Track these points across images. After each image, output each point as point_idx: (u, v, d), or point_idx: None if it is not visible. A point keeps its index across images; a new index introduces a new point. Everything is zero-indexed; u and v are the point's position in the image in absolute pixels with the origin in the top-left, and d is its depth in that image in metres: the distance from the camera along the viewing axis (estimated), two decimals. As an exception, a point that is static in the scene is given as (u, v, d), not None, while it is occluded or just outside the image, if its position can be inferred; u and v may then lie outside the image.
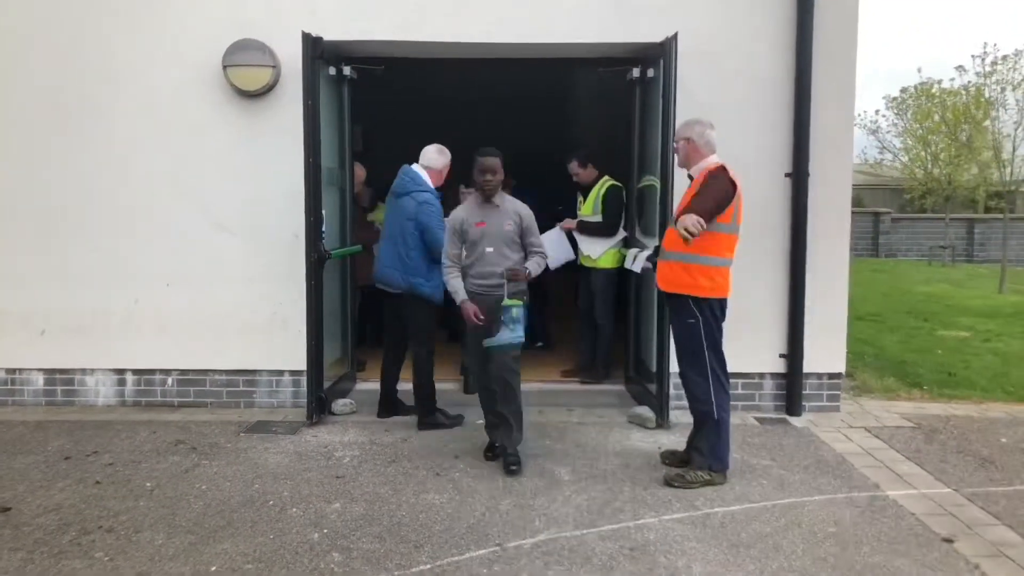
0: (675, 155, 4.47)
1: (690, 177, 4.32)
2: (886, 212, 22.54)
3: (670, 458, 4.54)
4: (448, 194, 5.82)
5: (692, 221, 3.77)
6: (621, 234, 5.91)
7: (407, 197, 5.02)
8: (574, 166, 6.06)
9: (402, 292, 5.06)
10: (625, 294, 6.11)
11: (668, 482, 4.24)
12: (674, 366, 4.61)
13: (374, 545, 3.52)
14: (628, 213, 5.95)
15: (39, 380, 5.76)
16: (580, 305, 6.18)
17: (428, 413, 5.18)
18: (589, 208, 5.96)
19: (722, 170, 4.15)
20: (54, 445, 4.87)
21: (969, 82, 18.74)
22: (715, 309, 4.21)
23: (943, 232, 21.07)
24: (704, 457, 4.27)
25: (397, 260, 5.03)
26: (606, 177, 5.99)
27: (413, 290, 5.03)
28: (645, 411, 5.35)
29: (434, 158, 5.17)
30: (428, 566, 3.33)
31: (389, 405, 5.42)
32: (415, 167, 5.13)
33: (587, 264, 5.99)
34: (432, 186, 5.12)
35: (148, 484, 4.23)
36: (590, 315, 6.06)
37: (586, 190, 6.05)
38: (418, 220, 4.96)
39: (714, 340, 4.21)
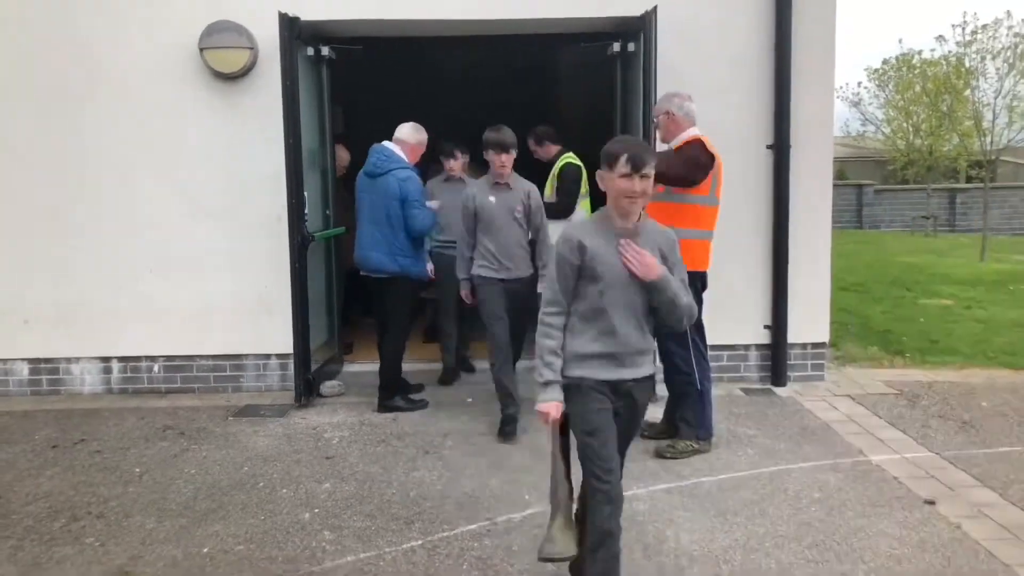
0: (655, 130, 4.47)
1: (670, 151, 4.33)
2: (869, 184, 22.63)
3: (648, 429, 4.58)
4: (428, 171, 5.79)
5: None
6: (579, 214, 5.54)
7: (388, 176, 4.92)
8: (530, 144, 5.78)
9: (390, 276, 5.00)
10: None
11: (659, 454, 4.29)
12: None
13: (365, 523, 3.54)
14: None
15: (24, 370, 5.72)
16: None
17: (389, 396, 5.13)
18: (549, 188, 5.69)
19: (698, 141, 4.17)
20: (41, 434, 4.85)
21: (949, 52, 18.81)
22: (696, 283, 4.23)
23: (925, 203, 21.19)
24: (691, 427, 4.33)
25: (383, 243, 4.94)
26: (568, 154, 5.69)
27: (404, 272, 4.99)
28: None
29: (409, 133, 5.07)
30: (419, 542, 3.36)
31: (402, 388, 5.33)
32: (387, 144, 5.04)
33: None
34: (407, 162, 5.03)
35: (137, 470, 4.23)
36: None
37: (548, 167, 5.79)
38: (402, 197, 4.88)
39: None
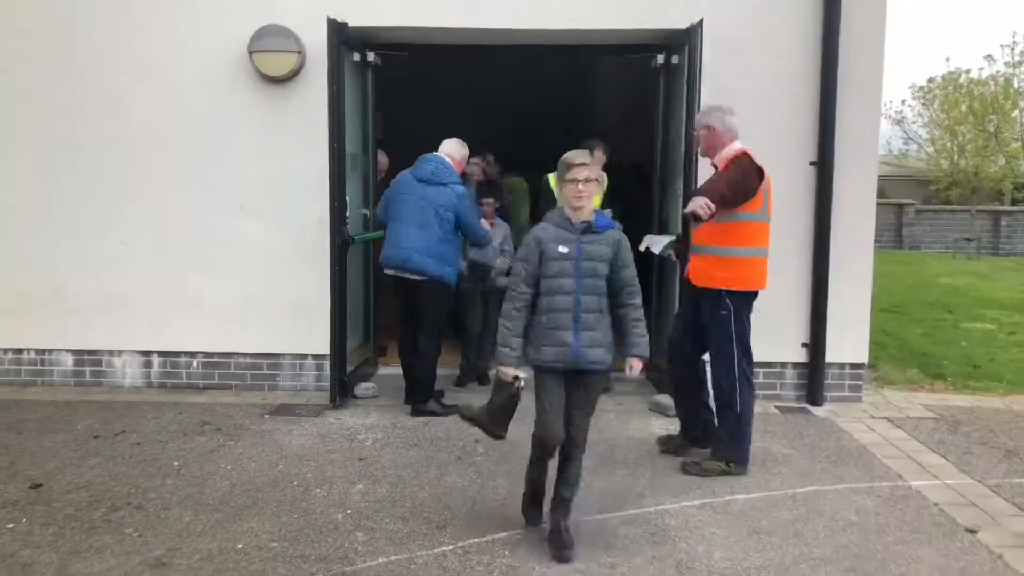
0: (696, 145, 4.41)
1: (715, 167, 4.22)
2: (910, 203, 22.26)
3: (665, 443, 4.54)
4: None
5: (700, 203, 3.76)
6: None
7: (443, 187, 5.03)
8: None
9: (429, 280, 5.03)
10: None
11: (684, 469, 4.24)
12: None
13: (397, 526, 3.56)
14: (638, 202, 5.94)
15: (68, 361, 5.86)
16: None
17: (423, 400, 5.17)
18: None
19: (746, 155, 4.08)
20: (83, 424, 4.96)
21: (998, 72, 18.50)
22: (747, 302, 4.17)
23: (968, 224, 20.79)
24: (724, 449, 4.25)
25: (430, 248, 4.99)
26: None
27: (444, 278, 5.05)
28: (665, 399, 5.35)
29: (456, 149, 5.25)
30: (451, 547, 3.37)
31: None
32: (442, 155, 5.16)
33: None
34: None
35: (175, 463, 4.31)
36: None
37: None
38: (458, 212, 5.04)
39: (743, 333, 4.17)
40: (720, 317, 4.14)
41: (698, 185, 4.45)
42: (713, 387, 4.32)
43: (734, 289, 4.10)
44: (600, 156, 5.82)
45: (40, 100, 5.66)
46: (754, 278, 4.14)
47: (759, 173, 4.04)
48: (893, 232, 21.85)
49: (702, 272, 4.19)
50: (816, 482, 4.15)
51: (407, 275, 5.07)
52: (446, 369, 6.06)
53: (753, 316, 5.15)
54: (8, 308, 5.78)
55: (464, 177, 5.56)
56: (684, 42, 5.19)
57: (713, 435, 4.36)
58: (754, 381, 5.54)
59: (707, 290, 4.17)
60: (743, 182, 3.99)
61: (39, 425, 4.94)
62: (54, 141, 5.68)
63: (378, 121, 6.34)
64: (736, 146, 4.16)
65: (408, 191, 5.11)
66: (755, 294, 4.21)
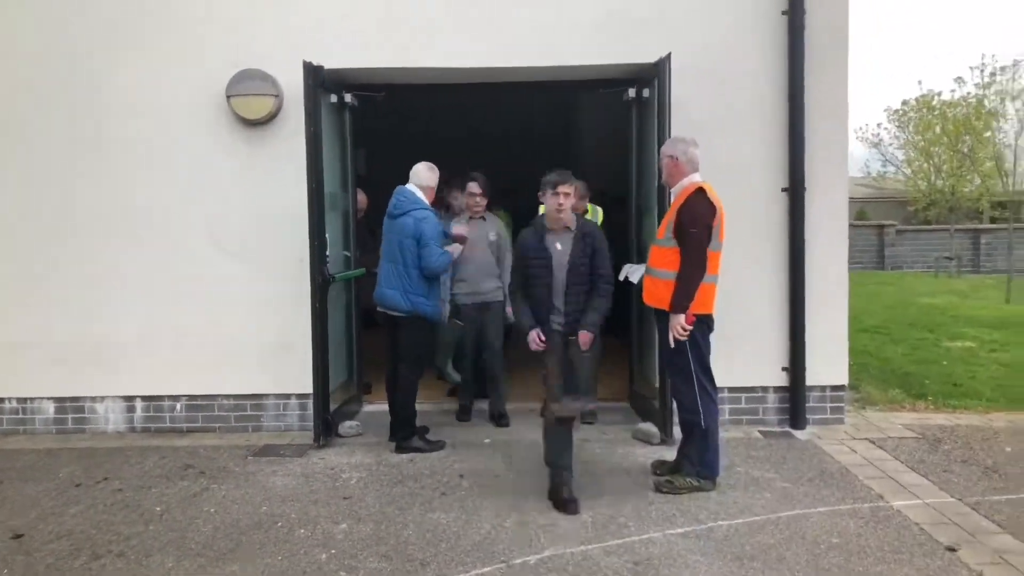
0: (660, 173, 4.56)
1: (670, 195, 4.44)
2: (890, 224, 22.53)
3: (660, 468, 4.61)
4: (440, 208, 5.93)
5: (677, 330, 4.20)
6: None
7: (406, 216, 5.06)
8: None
9: (404, 314, 5.08)
10: (618, 314, 6.15)
11: (657, 488, 4.36)
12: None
13: (381, 564, 3.55)
14: (625, 231, 6.01)
15: (50, 408, 5.83)
16: None
17: (407, 437, 5.17)
18: None
19: (700, 192, 4.24)
20: (65, 472, 4.93)
21: (969, 93, 18.88)
22: (701, 324, 4.30)
23: (948, 243, 21.04)
24: (693, 464, 4.38)
25: (397, 280, 5.05)
26: (593, 206, 6.03)
27: (416, 310, 5.07)
28: (649, 427, 5.38)
29: (426, 176, 5.23)
30: (434, 584, 3.36)
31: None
32: (409, 187, 5.19)
33: None
34: (427, 203, 5.18)
35: (158, 508, 4.29)
36: None
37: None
38: (417, 237, 5.00)
39: (700, 353, 4.31)
40: (678, 340, 4.26)
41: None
42: (678, 407, 4.46)
43: (687, 320, 4.23)
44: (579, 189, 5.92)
45: (20, 140, 5.69)
46: (708, 302, 4.30)
47: (712, 210, 4.22)
48: (875, 253, 22.07)
49: (654, 294, 4.37)
50: (799, 505, 4.17)
51: (388, 311, 5.14)
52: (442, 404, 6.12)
53: (733, 341, 5.24)
54: (-11, 357, 5.77)
55: (437, 204, 5.59)
56: (654, 75, 5.30)
57: (682, 454, 4.47)
58: (735, 406, 5.66)
59: (660, 311, 4.33)
60: (700, 227, 4.18)
61: (20, 474, 4.91)
62: (31, 186, 5.70)
63: (359, 158, 6.42)
64: (694, 178, 4.34)
65: (385, 228, 5.22)
66: (708, 317, 4.34)
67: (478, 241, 5.67)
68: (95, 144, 5.69)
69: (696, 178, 4.33)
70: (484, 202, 5.79)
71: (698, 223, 4.17)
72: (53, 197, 5.71)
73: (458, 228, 5.49)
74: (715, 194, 4.28)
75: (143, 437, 5.69)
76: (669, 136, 4.99)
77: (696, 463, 4.36)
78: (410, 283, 5.04)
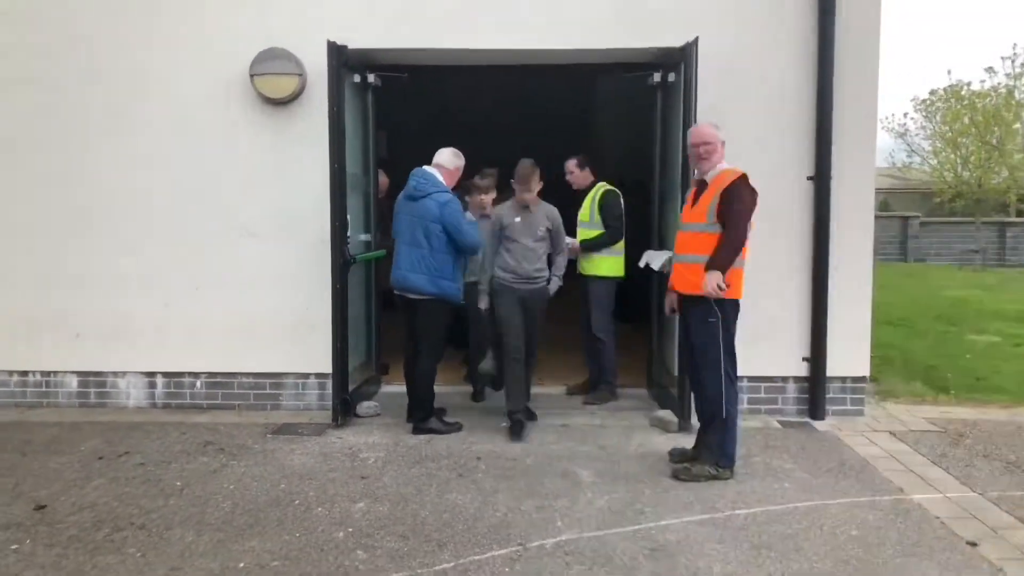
0: (694, 159, 4.46)
1: (702, 181, 4.36)
2: (914, 216, 22.25)
3: (679, 456, 4.58)
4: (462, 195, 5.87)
5: (713, 286, 4.06)
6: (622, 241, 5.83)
7: (427, 199, 4.99)
8: (571, 165, 5.91)
9: (427, 297, 5.07)
10: (634, 301, 6.12)
11: (675, 475, 4.35)
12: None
13: (398, 544, 3.57)
14: (641, 218, 5.97)
15: (73, 382, 5.90)
16: (580, 318, 6.01)
17: (425, 418, 5.17)
18: (587, 214, 5.84)
19: (744, 180, 4.21)
20: (87, 445, 4.99)
21: (999, 84, 18.53)
22: (731, 309, 4.27)
23: (973, 236, 20.75)
24: (712, 453, 4.35)
25: (422, 265, 5.01)
26: (602, 183, 5.88)
27: (443, 293, 5.04)
28: (667, 414, 5.36)
29: (448, 159, 5.18)
30: (451, 564, 3.38)
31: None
32: (428, 168, 5.13)
33: (585, 273, 5.87)
34: (447, 187, 5.11)
35: (178, 483, 4.33)
36: (589, 328, 5.88)
37: (581, 195, 5.93)
38: (444, 221, 4.95)
39: (729, 339, 4.28)
40: (709, 324, 4.24)
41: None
42: (698, 395, 4.46)
43: (723, 297, 4.17)
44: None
45: (42, 119, 5.73)
46: (737, 288, 4.26)
47: (755, 197, 4.21)
48: (898, 245, 21.83)
49: (687, 280, 4.31)
50: (817, 496, 4.15)
51: (407, 294, 5.12)
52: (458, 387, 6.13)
53: (754, 330, 5.21)
54: (13, 330, 5.84)
55: (459, 189, 5.54)
56: (680, 60, 5.24)
57: (702, 441, 4.45)
58: (754, 395, 5.63)
59: (694, 297, 4.26)
60: (749, 209, 4.17)
61: (44, 446, 4.98)
62: (55, 164, 5.75)
63: (380, 140, 6.41)
64: (725, 164, 4.31)
65: (402, 209, 5.16)
66: (737, 303, 4.32)
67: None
68: (117, 123, 5.71)
69: (728, 165, 4.31)
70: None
71: (745, 202, 4.15)
72: (75, 178, 5.75)
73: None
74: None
75: (164, 413, 5.75)
76: (695, 121, 4.93)
77: (716, 452, 4.34)
78: (436, 267, 5.00)
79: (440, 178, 5.10)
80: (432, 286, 5.01)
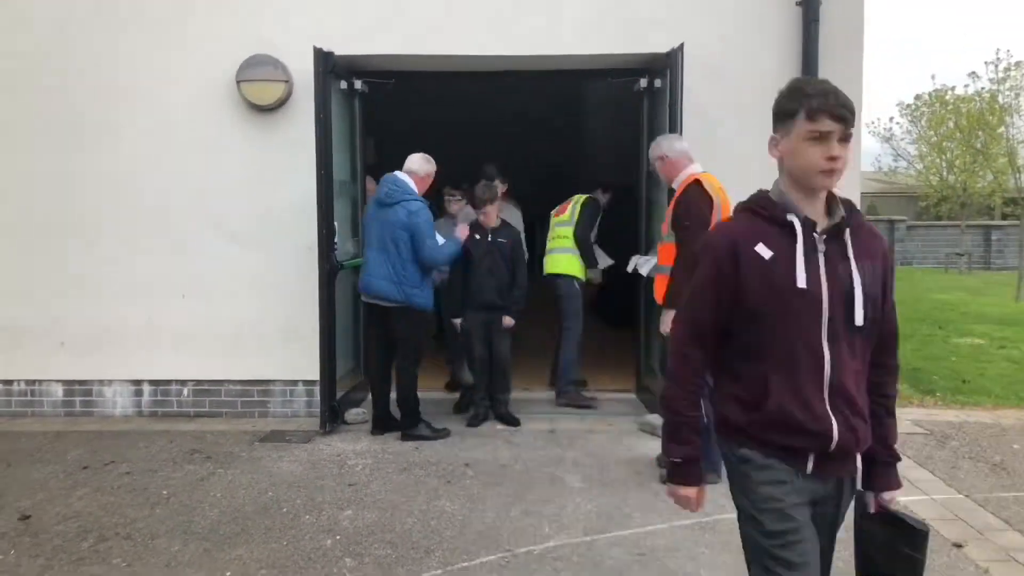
0: (657, 173, 4.56)
1: (672, 190, 4.44)
2: (901, 220, 22.41)
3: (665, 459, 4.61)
4: (435, 201, 5.88)
5: (666, 328, 4.11)
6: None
7: (397, 207, 4.98)
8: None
9: (395, 305, 5.04)
10: (619, 305, 6.17)
11: (662, 479, 4.32)
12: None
13: (386, 551, 3.56)
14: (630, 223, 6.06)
15: (58, 391, 5.86)
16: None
17: (412, 425, 5.16)
18: (568, 215, 6.04)
19: (696, 184, 4.23)
20: (73, 455, 4.95)
21: (983, 88, 18.71)
22: None
23: (959, 239, 20.92)
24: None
25: (391, 271, 4.99)
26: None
27: (408, 301, 5.02)
28: (655, 419, 5.36)
29: (419, 165, 5.19)
30: (439, 571, 3.37)
31: (385, 421, 5.32)
32: (399, 174, 5.13)
33: (552, 271, 5.97)
34: (418, 194, 5.11)
35: (164, 492, 4.30)
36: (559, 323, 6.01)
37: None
38: (411, 230, 4.94)
39: None
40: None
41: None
42: None
43: None
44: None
45: (28, 125, 5.70)
46: None
47: (708, 201, 4.19)
48: (885, 248, 21.92)
49: (658, 290, 4.40)
50: (805, 499, 4.15)
51: (376, 301, 5.10)
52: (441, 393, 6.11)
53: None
54: (-2, 339, 5.80)
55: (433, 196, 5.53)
56: (666, 66, 5.26)
57: None
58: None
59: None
60: (695, 221, 4.11)
61: (28, 456, 4.94)
62: (40, 170, 5.72)
63: (369, 147, 6.41)
64: (692, 169, 4.34)
65: (372, 216, 5.15)
66: None
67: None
68: (103, 131, 5.69)
69: (695, 169, 4.33)
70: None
71: (692, 216, 4.14)
72: (61, 184, 5.72)
73: (462, 228, 5.42)
74: (717, 184, 4.26)
75: (150, 421, 5.71)
76: (681, 126, 4.96)
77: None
78: (404, 274, 4.98)
79: (412, 185, 5.10)
80: (399, 293, 5.00)
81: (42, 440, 5.27)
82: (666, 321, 4.19)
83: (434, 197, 5.55)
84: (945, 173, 21.85)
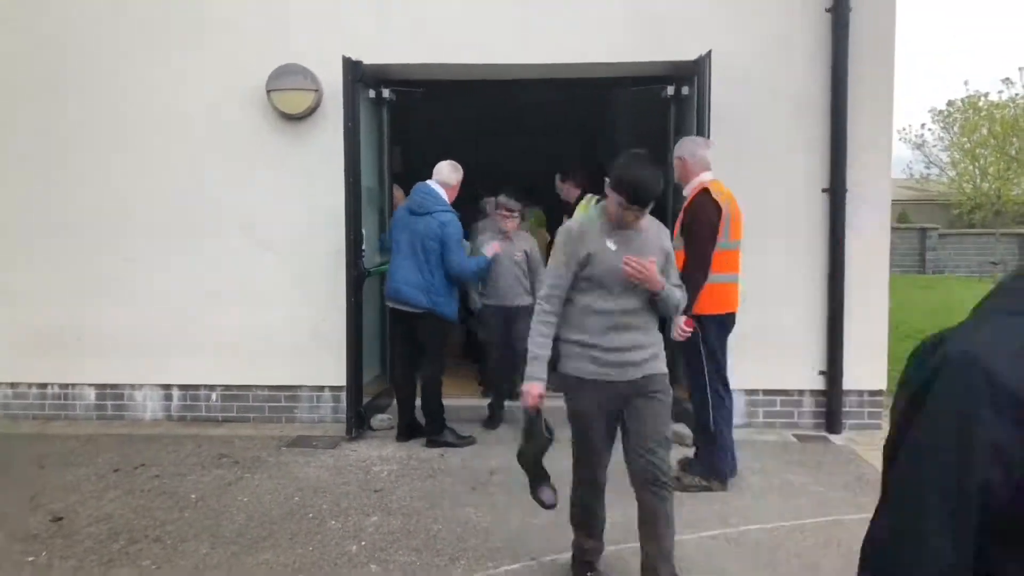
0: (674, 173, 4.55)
1: (684, 196, 4.42)
2: (933, 228, 22.04)
3: (683, 465, 4.58)
4: (466, 210, 5.87)
5: (676, 333, 4.12)
6: None
7: (428, 217, 5.03)
8: (557, 180, 6.21)
9: (422, 312, 5.06)
10: None
11: (686, 486, 4.32)
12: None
13: (410, 558, 3.57)
14: None
15: (91, 395, 5.96)
16: None
17: (437, 432, 5.17)
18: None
19: (705, 192, 4.22)
20: (104, 458, 5.03)
21: (1016, 94, 18.39)
22: (716, 324, 4.27)
23: (993, 248, 20.53)
24: (701, 465, 4.37)
25: (419, 279, 5.03)
26: (590, 195, 5.93)
27: (435, 309, 5.05)
28: (682, 428, 5.31)
29: (449, 175, 5.22)
30: (463, 579, 3.37)
31: (410, 428, 5.33)
32: (431, 183, 5.17)
33: None
34: (448, 204, 5.16)
35: (193, 496, 4.35)
36: None
37: (571, 208, 5.90)
38: (442, 241, 5.00)
39: (714, 355, 4.29)
40: (689, 339, 4.23)
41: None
42: (692, 406, 4.47)
43: (699, 312, 4.19)
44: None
45: (60, 133, 5.82)
46: (722, 302, 4.27)
47: (716, 209, 4.17)
48: (916, 256, 21.62)
49: None
50: (834, 511, 4.10)
51: (403, 307, 5.13)
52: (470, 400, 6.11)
53: (769, 343, 5.16)
54: (32, 343, 5.90)
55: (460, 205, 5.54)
56: (693, 73, 5.24)
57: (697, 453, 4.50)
58: (770, 408, 5.58)
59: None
60: (709, 233, 4.14)
61: (61, 459, 5.02)
62: (75, 178, 5.83)
63: (396, 156, 6.46)
64: (704, 177, 4.32)
65: (402, 223, 5.18)
66: (727, 316, 4.32)
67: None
68: (136, 138, 5.79)
69: (706, 177, 4.31)
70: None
71: (700, 223, 4.15)
72: (93, 195, 5.82)
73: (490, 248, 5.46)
74: (726, 192, 4.26)
75: (179, 425, 5.79)
76: (709, 134, 4.94)
77: (704, 465, 4.36)
78: (432, 282, 5.02)
79: (444, 196, 5.14)
80: (426, 300, 5.03)
81: (74, 443, 5.36)
82: (676, 326, 4.15)
83: (466, 202, 5.58)
84: (979, 180, 21.48)
